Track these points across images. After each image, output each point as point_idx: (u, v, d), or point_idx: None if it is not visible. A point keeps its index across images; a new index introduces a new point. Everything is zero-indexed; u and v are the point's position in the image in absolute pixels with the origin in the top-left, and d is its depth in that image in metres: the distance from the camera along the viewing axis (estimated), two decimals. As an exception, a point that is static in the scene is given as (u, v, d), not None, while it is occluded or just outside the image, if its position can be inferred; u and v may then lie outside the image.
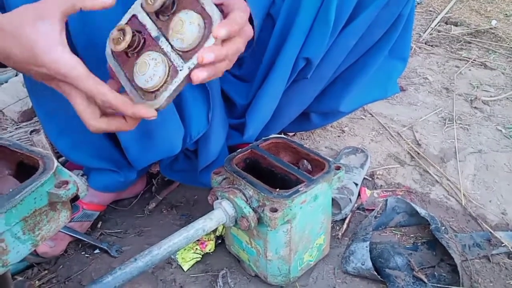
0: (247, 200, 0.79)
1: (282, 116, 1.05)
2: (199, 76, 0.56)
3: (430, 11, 2.48)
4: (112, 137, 0.91)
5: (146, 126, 0.84)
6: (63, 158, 1.17)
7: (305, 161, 0.90)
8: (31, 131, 1.14)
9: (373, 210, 1.06)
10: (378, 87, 1.10)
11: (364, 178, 1.21)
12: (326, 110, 1.13)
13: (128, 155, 0.90)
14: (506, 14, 2.45)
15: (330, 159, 0.87)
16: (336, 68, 1.00)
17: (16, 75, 1.57)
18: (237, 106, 1.01)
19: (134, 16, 0.61)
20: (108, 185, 1.00)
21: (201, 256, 0.96)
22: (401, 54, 1.05)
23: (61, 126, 0.88)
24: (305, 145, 0.92)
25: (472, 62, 1.93)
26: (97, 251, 1.00)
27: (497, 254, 0.97)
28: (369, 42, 0.97)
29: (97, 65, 0.62)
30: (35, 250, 0.91)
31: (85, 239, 0.99)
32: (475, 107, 1.59)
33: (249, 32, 0.62)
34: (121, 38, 0.59)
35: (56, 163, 0.49)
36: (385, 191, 1.17)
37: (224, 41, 0.57)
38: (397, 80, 1.12)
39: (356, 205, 1.11)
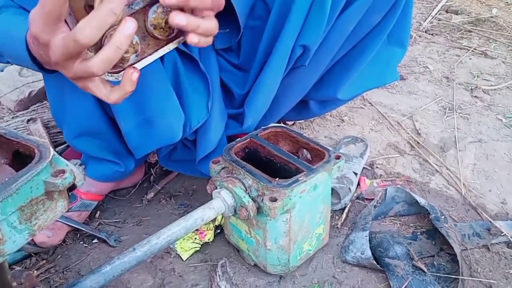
0: (246, 189, 0.79)
1: (281, 105, 1.05)
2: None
3: (431, -1, 2.46)
4: (113, 126, 0.91)
5: (147, 113, 0.83)
6: (60, 147, 1.16)
7: (304, 150, 0.90)
8: (28, 120, 1.14)
9: (372, 199, 1.06)
10: (377, 74, 1.08)
11: (364, 168, 1.20)
12: (324, 98, 1.12)
13: (129, 142, 0.90)
14: (507, 2, 2.43)
15: (330, 148, 0.86)
16: (334, 54, 0.99)
17: (11, 64, 1.55)
18: (235, 96, 1.00)
19: None
20: (106, 174, 1.00)
21: (200, 246, 0.96)
22: (400, 41, 1.04)
23: (67, 113, 0.88)
24: (304, 134, 0.91)
25: (472, 51, 1.92)
26: (95, 240, 1.00)
27: (496, 243, 0.97)
28: (367, 27, 0.96)
29: None
30: (33, 240, 0.91)
31: (83, 229, 0.99)
32: (475, 96, 1.58)
33: None
34: None
35: (52, 152, 0.48)
36: (385, 180, 1.17)
37: None
38: (396, 67, 1.10)
39: (355, 194, 1.11)
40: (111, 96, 0.59)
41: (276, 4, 0.87)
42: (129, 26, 0.51)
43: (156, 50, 0.60)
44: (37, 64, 0.64)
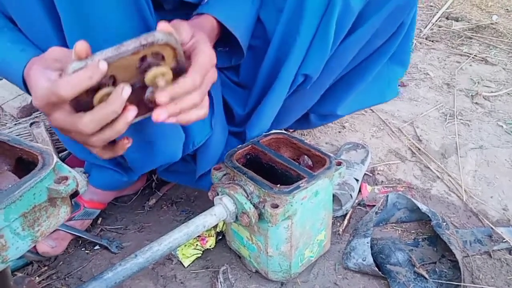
0: (248, 196, 0.79)
1: (281, 122, 1.05)
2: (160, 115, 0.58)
3: (431, 6, 2.47)
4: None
5: (147, 134, 0.83)
6: (63, 153, 1.16)
7: (306, 156, 0.90)
8: (31, 123, 1.14)
9: (374, 206, 1.06)
10: (377, 92, 1.09)
11: (365, 174, 1.20)
12: (324, 113, 1.13)
13: (128, 162, 0.90)
14: (507, 9, 2.44)
15: (331, 155, 0.86)
16: (336, 76, 0.99)
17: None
18: (235, 115, 1.00)
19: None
20: (109, 183, 0.99)
21: (201, 252, 0.96)
22: (401, 60, 1.04)
23: None
24: (305, 141, 0.92)
25: (473, 57, 1.92)
26: (97, 247, 1.00)
27: (498, 250, 0.97)
28: (370, 50, 0.96)
29: None
30: (35, 249, 0.91)
31: (86, 237, 0.99)
32: (476, 103, 1.58)
33: (211, 77, 0.63)
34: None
35: (55, 159, 0.48)
36: (386, 187, 1.17)
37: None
38: (396, 84, 1.11)
39: (357, 201, 1.11)
40: (103, 154, 0.64)
41: (278, 30, 0.87)
42: (126, 92, 0.56)
43: (150, 111, 0.62)
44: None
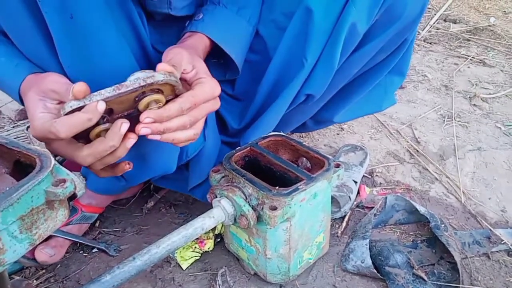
0: (246, 198, 0.79)
1: (277, 130, 1.05)
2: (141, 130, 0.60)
3: (429, 8, 2.48)
4: None
5: (142, 149, 0.82)
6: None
7: (304, 158, 0.90)
8: (28, 127, 1.13)
9: (372, 208, 1.06)
10: (375, 101, 1.09)
11: (364, 176, 1.20)
12: (320, 120, 1.13)
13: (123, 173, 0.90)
14: (505, 11, 2.45)
15: (330, 157, 0.86)
16: (337, 90, 0.99)
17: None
18: (229, 127, 1.00)
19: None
20: (107, 187, 0.99)
21: (200, 255, 0.96)
22: (400, 70, 1.04)
23: None
24: (304, 143, 0.92)
25: (471, 59, 1.93)
26: (95, 250, 0.99)
27: (497, 251, 0.97)
28: (372, 64, 0.96)
29: None
30: (34, 257, 0.90)
31: (84, 242, 0.99)
32: (474, 105, 1.59)
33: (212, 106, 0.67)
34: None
35: (53, 161, 0.48)
36: (385, 188, 1.17)
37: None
38: (394, 93, 1.11)
39: (355, 203, 1.11)
40: (103, 174, 0.67)
41: (281, 49, 0.86)
42: (124, 128, 0.58)
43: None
44: None
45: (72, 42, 0.65)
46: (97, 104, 0.55)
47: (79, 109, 0.56)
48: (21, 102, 0.68)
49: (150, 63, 0.78)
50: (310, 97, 0.90)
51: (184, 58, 0.66)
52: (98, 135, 0.60)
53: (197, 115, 0.65)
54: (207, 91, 0.65)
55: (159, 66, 0.60)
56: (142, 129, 0.59)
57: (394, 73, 1.03)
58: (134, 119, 0.61)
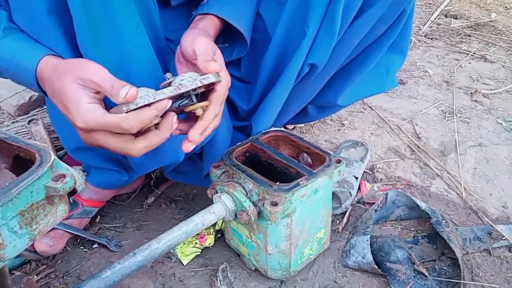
0: (247, 193, 0.78)
1: (284, 114, 1.05)
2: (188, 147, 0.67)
3: (430, 3, 2.47)
4: None
5: None
6: (62, 151, 1.16)
7: (305, 154, 0.90)
8: (29, 121, 1.13)
9: (373, 203, 1.06)
10: (377, 81, 1.09)
11: (364, 172, 1.20)
12: (324, 104, 1.12)
13: (131, 161, 0.89)
14: (506, 6, 2.44)
15: (331, 153, 0.86)
16: (339, 65, 0.99)
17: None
18: (239, 110, 1.00)
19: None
20: (109, 182, 0.99)
21: (200, 250, 0.96)
22: (400, 49, 1.04)
23: (67, 129, 0.88)
24: (305, 138, 0.91)
25: (472, 55, 1.92)
26: (95, 245, 0.99)
27: (498, 247, 0.97)
28: (371, 38, 0.96)
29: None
30: (34, 248, 0.90)
31: (84, 236, 0.99)
32: (475, 100, 1.58)
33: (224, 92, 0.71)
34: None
35: (53, 156, 0.48)
36: (385, 184, 1.17)
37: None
38: (395, 74, 1.11)
39: (356, 198, 1.11)
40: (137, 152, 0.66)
41: (281, 24, 0.87)
42: (175, 120, 0.64)
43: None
44: (43, 91, 0.69)
45: (90, 24, 0.64)
46: (166, 103, 0.60)
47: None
48: (37, 84, 0.67)
49: (161, 49, 0.78)
50: (314, 68, 0.90)
51: (214, 50, 0.71)
52: (148, 129, 0.64)
53: (221, 108, 0.71)
54: (225, 86, 0.71)
55: (211, 67, 0.65)
56: (190, 148, 0.67)
57: (395, 51, 1.03)
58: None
